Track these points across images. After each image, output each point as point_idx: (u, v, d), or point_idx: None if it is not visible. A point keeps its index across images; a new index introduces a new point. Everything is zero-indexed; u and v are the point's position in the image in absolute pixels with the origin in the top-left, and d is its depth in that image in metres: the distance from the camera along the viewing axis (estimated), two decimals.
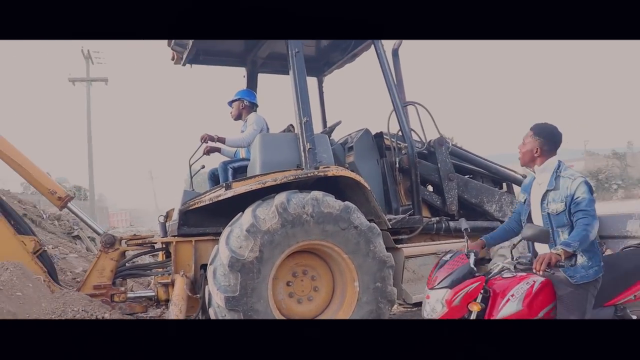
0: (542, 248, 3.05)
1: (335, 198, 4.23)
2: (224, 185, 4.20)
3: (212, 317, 3.98)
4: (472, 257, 3.06)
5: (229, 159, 5.21)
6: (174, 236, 4.53)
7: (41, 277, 4.21)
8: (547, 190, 3.02)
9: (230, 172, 4.80)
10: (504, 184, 5.90)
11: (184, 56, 5.26)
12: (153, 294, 4.59)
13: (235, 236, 3.89)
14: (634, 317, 3.13)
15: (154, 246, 4.81)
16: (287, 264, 4.21)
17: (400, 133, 5.09)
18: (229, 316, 3.81)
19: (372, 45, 5.08)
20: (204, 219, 4.43)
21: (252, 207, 4.02)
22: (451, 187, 5.18)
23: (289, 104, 4.55)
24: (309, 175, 4.23)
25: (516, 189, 6.12)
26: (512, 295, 2.87)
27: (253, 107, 5.39)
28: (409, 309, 5.79)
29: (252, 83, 5.98)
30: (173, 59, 5.48)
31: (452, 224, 5.10)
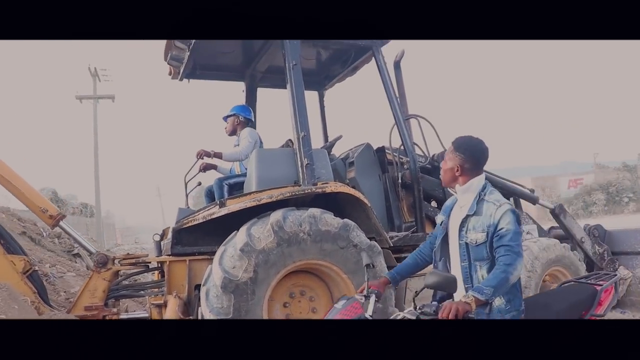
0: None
1: (335, 215, 4.07)
2: (218, 202, 4.05)
3: None
4: (372, 301, 2.64)
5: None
6: (168, 255, 4.38)
7: (28, 299, 4.06)
8: (468, 216, 2.64)
9: (225, 188, 4.67)
10: (511, 199, 5.74)
11: (181, 70, 5.16)
12: (147, 315, 4.44)
13: (229, 256, 3.73)
14: None
15: (148, 265, 4.66)
16: (283, 285, 4.03)
17: (402, 147, 4.94)
18: None
19: (373, 57, 4.96)
20: (198, 238, 4.27)
21: (247, 226, 3.87)
22: None
23: (289, 119, 4.41)
24: (307, 191, 4.08)
25: (524, 204, 5.96)
26: None
27: (248, 123, 5.30)
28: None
29: (251, 98, 5.89)
30: (170, 73, 5.39)
31: None
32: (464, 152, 2.67)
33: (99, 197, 26.34)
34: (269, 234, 3.77)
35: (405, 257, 4.70)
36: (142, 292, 4.73)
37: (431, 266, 2.89)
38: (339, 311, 2.61)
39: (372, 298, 2.66)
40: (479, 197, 2.65)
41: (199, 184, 5.21)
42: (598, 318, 2.96)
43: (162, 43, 4.91)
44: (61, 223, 4.60)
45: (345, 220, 4.05)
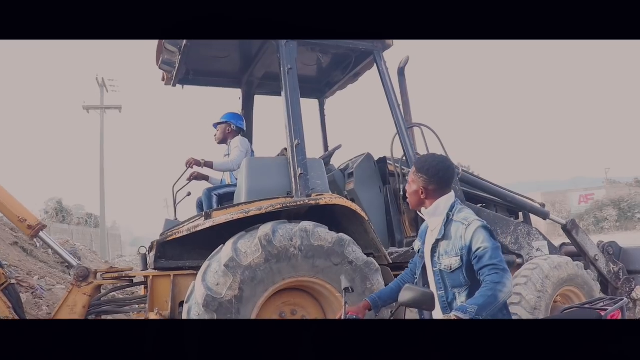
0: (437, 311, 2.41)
1: (330, 229, 3.79)
2: (204, 214, 3.78)
3: None
4: None
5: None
6: (152, 269, 4.11)
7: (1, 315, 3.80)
8: (437, 240, 2.43)
9: (214, 199, 4.42)
10: (520, 214, 5.45)
11: (173, 75, 4.94)
12: None
13: (213, 272, 3.45)
14: None
15: (132, 280, 4.39)
16: (272, 303, 3.73)
17: (404, 158, 4.66)
18: None
19: (375, 64, 4.70)
20: (183, 252, 4.00)
21: (234, 240, 3.59)
22: None
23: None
24: (299, 203, 3.80)
25: (534, 219, 5.66)
26: None
27: (239, 132, 5.08)
28: None
29: (248, 105, 5.67)
30: (163, 79, 5.18)
31: None
32: (427, 172, 2.48)
33: (104, 207, 26.28)
34: (257, 248, 3.48)
35: None
36: (125, 307, 4.45)
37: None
38: None
39: None
40: (447, 218, 2.44)
41: (189, 194, 4.98)
42: None
43: None
44: (41, 234, 4.34)
45: (341, 234, 3.76)
